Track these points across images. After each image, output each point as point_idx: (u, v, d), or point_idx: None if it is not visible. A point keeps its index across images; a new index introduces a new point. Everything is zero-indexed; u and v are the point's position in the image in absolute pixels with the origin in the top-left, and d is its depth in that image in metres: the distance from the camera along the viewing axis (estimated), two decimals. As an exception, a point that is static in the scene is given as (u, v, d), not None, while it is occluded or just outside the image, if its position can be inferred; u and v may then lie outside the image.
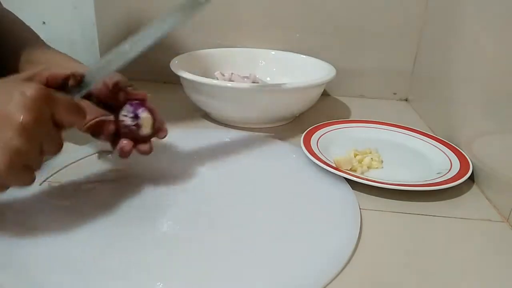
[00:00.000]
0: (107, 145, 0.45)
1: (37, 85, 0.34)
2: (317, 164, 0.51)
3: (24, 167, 0.34)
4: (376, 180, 0.47)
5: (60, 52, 0.55)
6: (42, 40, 0.57)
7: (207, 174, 0.51)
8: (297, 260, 0.37)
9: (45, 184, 0.47)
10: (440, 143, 0.58)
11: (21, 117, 0.32)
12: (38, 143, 0.34)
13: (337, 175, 0.49)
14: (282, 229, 0.41)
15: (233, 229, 0.41)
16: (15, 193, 0.44)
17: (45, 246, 0.37)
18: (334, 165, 0.51)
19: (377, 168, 0.53)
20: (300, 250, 0.38)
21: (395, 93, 0.84)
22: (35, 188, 0.45)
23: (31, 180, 0.35)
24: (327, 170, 0.50)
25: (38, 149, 0.34)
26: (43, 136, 0.34)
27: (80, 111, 0.37)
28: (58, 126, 0.36)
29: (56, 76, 0.38)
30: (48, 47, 0.56)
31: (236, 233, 0.40)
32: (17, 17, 0.58)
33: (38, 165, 0.35)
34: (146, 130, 0.44)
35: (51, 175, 0.48)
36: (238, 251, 0.38)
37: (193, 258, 0.37)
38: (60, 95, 0.36)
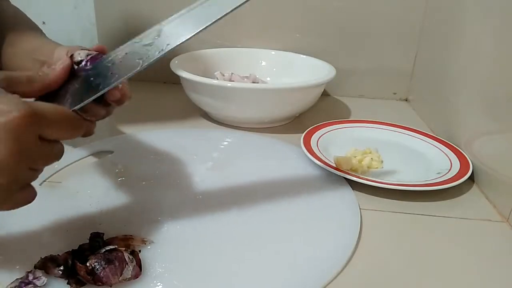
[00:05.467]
0: (107, 145, 0.45)
1: (16, 106, 0.27)
2: (317, 164, 0.51)
3: (15, 191, 0.30)
4: (376, 180, 0.47)
5: (47, 39, 0.51)
6: (31, 24, 0.54)
7: (206, 174, 0.51)
8: (297, 260, 0.37)
9: (45, 184, 0.47)
10: (440, 143, 0.58)
11: None
12: (23, 170, 0.29)
13: (337, 175, 0.49)
14: (282, 229, 0.41)
15: (233, 229, 0.41)
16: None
17: (47, 245, 0.37)
18: (334, 165, 0.51)
19: (377, 168, 0.53)
20: (300, 250, 0.38)
21: (395, 93, 0.84)
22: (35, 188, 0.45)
23: (30, 198, 0.31)
24: (327, 170, 0.50)
25: (25, 174, 0.30)
26: (30, 160, 0.29)
27: (76, 125, 0.32)
28: (51, 141, 0.31)
29: (51, 83, 0.34)
30: (36, 32, 0.53)
31: (235, 233, 0.40)
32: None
33: (32, 180, 0.31)
34: None
35: (51, 175, 0.48)
36: (237, 251, 0.38)
37: (192, 258, 0.37)
38: (48, 109, 0.30)
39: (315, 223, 0.42)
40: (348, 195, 0.47)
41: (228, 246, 0.38)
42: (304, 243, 0.39)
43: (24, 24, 0.54)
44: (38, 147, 0.29)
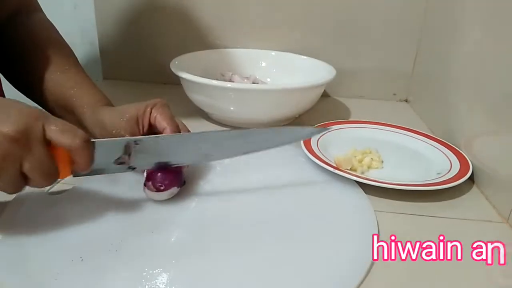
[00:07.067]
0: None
1: (28, 109, 0.34)
2: (318, 164, 0.51)
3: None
4: (376, 180, 0.47)
5: (93, 85, 0.51)
6: (73, 60, 0.53)
7: (206, 174, 0.51)
8: (300, 260, 0.37)
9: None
10: (440, 144, 0.58)
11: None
12: (16, 160, 0.33)
13: (338, 175, 0.49)
14: (281, 229, 0.41)
15: (232, 231, 0.41)
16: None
17: (49, 248, 0.37)
18: (334, 165, 0.50)
19: (377, 168, 0.53)
20: (300, 251, 0.38)
21: (395, 94, 0.84)
22: (35, 189, 0.45)
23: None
24: (327, 170, 0.50)
25: (16, 168, 0.34)
26: (25, 155, 0.33)
27: (75, 134, 0.36)
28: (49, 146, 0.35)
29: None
30: (79, 75, 0.52)
31: (235, 235, 0.40)
32: (53, 30, 0.54)
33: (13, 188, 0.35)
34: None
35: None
36: (248, 257, 0.37)
37: (194, 260, 0.36)
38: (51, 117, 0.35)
39: (314, 223, 0.42)
40: (348, 195, 0.47)
41: (234, 252, 0.37)
42: (304, 243, 0.39)
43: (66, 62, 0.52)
44: (40, 149, 0.34)
